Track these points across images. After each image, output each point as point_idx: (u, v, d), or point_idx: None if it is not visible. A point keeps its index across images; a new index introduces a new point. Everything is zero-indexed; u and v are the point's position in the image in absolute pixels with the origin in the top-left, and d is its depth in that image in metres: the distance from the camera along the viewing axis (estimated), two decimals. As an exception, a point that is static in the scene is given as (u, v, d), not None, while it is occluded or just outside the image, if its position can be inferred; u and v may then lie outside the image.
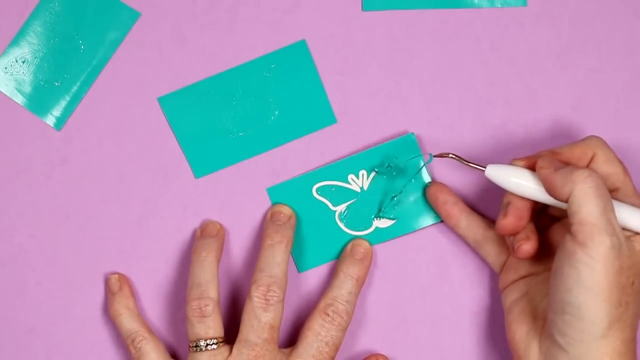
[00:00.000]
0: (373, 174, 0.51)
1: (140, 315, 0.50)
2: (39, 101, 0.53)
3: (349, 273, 0.49)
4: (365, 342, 0.52)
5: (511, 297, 0.47)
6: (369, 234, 0.51)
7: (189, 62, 0.53)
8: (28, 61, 0.53)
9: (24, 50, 0.53)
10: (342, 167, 0.52)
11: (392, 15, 0.53)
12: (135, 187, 0.52)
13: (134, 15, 0.53)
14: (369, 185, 0.51)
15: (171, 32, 0.53)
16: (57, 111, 0.53)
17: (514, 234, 0.46)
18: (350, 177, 0.51)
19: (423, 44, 0.53)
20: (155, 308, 0.52)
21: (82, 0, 0.53)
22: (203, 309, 0.48)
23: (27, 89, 0.53)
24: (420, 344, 0.52)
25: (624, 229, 0.43)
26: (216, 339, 0.48)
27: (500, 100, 0.52)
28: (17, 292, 0.52)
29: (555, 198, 0.43)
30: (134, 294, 0.51)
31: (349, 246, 0.51)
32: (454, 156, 0.48)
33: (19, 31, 0.53)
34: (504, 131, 0.52)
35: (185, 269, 0.52)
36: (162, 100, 0.53)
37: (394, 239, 0.52)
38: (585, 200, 0.42)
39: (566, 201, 0.42)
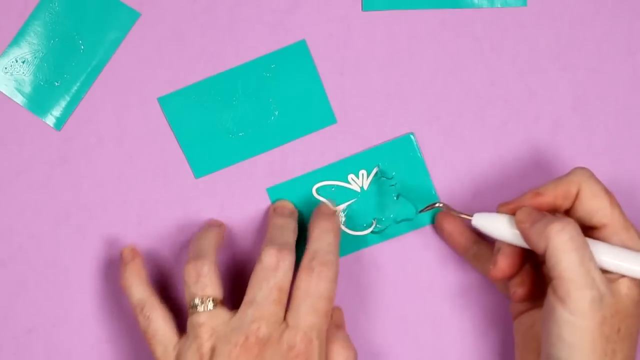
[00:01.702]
0: (373, 173, 0.51)
1: (151, 285, 0.49)
2: (39, 101, 0.53)
3: (323, 228, 0.48)
4: (365, 342, 0.52)
5: (520, 327, 0.47)
6: (369, 233, 0.52)
7: (189, 62, 0.53)
8: (28, 61, 0.53)
9: (24, 50, 0.53)
10: (342, 167, 0.52)
11: (392, 15, 0.53)
12: (135, 187, 0.52)
13: (134, 15, 0.53)
14: (369, 185, 0.51)
15: (171, 32, 0.53)
16: (57, 111, 0.53)
17: (510, 278, 0.46)
18: (350, 177, 0.51)
19: (423, 44, 0.53)
20: (155, 308, 0.52)
21: (82, 0, 0.53)
22: (199, 269, 0.46)
23: (27, 89, 0.53)
24: (420, 344, 0.52)
25: (608, 271, 0.42)
26: (214, 298, 0.46)
27: (500, 100, 0.52)
28: (17, 292, 0.52)
29: (535, 252, 0.43)
30: (145, 266, 0.50)
31: (316, 208, 0.50)
32: (441, 206, 0.48)
33: (19, 31, 0.53)
34: (504, 131, 0.52)
35: (185, 269, 0.52)
36: (162, 100, 0.53)
37: (394, 238, 0.52)
38: (560, 255, 0.41)
39: (545, 255, 0.42)
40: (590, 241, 0.43)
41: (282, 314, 0.45)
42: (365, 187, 0.51)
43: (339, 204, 0.52)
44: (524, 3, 0.53)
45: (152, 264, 0.52)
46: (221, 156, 0.52)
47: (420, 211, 0.49)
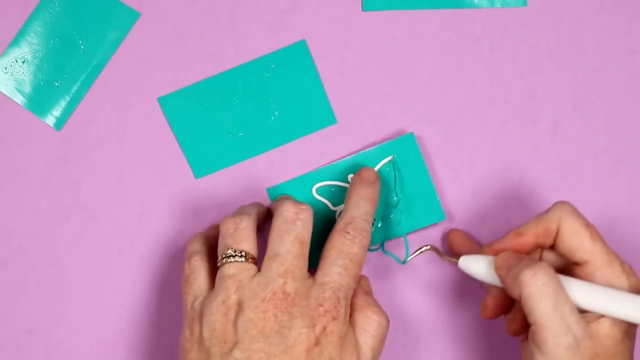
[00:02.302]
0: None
1: (209, 249, 0.48)
2: (39, 101, 0.53)
3: (362, 195, 0.47)
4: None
5: (525, 352, 0.46)
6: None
7: (189, 62, 0.53)
8: (28, 61, 0.53)
9: (24, 50, 0.53)
10: (341, 166, 0.52)
11: (392, 15, 0.53)
12: (135, 187, 0.52)
13: (134, 15, 0.53)
14: None
15: (171, 32, 0.53)
16: (57, 111, 0.53)
17: (501, 315, 0.46)
18: (350, 176, 0.51)
19: (423, 44, 0.53)
20: (155, 308, 0.52)
21: (82, 0, 0.53)
22: (238, 222, 0.45)
23: (27, 89, 0.53)
24: (420, 344, 0.52)
25: (587, 311, 0.42)
26: (246, 252, 0.45)
27: (500, 100, 0.52)
28: (17, 292, 0.52)
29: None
30: (213, 240, 0.49)
31: (358, 173, 0.49)
32: (427, 248, 0.48)
33: (19, 31, 0.53)
34: (504, 131, 0.52)
35: (185, 269, 0.52)
36: (162, 100, 0.53)
37: (394, 238, 0.52)
38: (534, 302, 0.41)
39: (521, 302, 0.42)
40: (568, 280, 0.42)
41: (306, 269, 0.45)
42: None
43: (339, 204, 0.52)
44: (524, 3, 0.53)
45: (152, 264, 0.52)
46: (221, 156, 0.52)
47: (410, 257, 0.49)
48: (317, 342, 0.42)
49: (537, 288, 0.41)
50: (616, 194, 0.52)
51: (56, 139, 0.53)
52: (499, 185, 0.52)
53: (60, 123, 0.53)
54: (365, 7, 0.53)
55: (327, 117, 0.52)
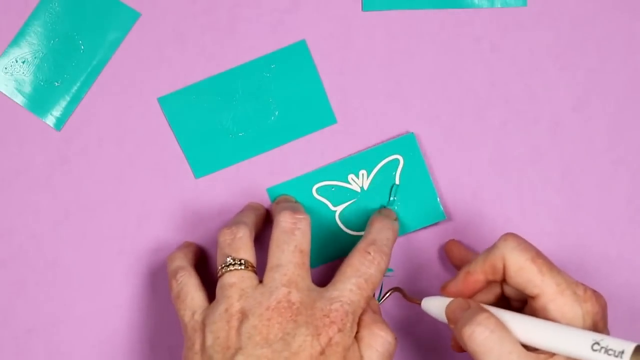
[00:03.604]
0: (373, 174, 0.51)
1: (192, 263, 0.49)
2: (39, 101, 0.53)
3: (385, 224, 0.48)
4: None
5: None
6: None
7: (189, 62, 0.53)
8: (28, 61, 0.53)
9: (24, 50, 0.53)
10: (342, 167, 0.52)
11: (392, 15, 0.53)
12: (135, 187, 0.52)
13: (134, 15, 0.53)
14: (369, 185, 0.51)
15: (171, 32, 0.53)
16: (57, 111, 0.53)
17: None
18: (350, 177, 0.51)
19: (423, 44, 0.53)
20: (155, 308, 0.52)
21: (82, 1, 0.53)
22: (235, 232, 0.46)
23: (27, 89, 0.53)
24: (420, 344, 0.52)
25: (540, 351, 0.41)
26: (246, 261, 0.45)
27: (500, 100, 0.52)
28: (17, 292, 0.52)
29: None
30: (195, 253, 0.50)
31: (380, 211, 0.50)
32: (392, 292, 0.49)
33: (19, 31, 0.53)
34: (504, 131, 0.52)
35: (185, 269, 0.52)
36: (162, 100, 0.53)
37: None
38: (478, 357, 0.41)
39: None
40: (516, 320, 0.42)
41: (309, 279, 0.45)
42: (366, 187, 0.51)
43: (339, 204, 0.52)
44: (524, 3, 0.53)
45: (152, 264, 0.52)
46: (221, 156, 0.52)
47: (381, 300, 0.49)
48: (322, 352, 0.42)
49: (479, 344, 0.41)
50: (616, 194, 0.52)
51: (56, 139, 0.53)
52: (499, 185, 0.52)
53: (60, 123, 0.53)
54: (365, 7, 0.53)
55: (327, 117, 0.52)
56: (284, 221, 0.46)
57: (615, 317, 0.51)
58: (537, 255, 0.43)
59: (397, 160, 0.51)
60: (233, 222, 0.47)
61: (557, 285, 0.42)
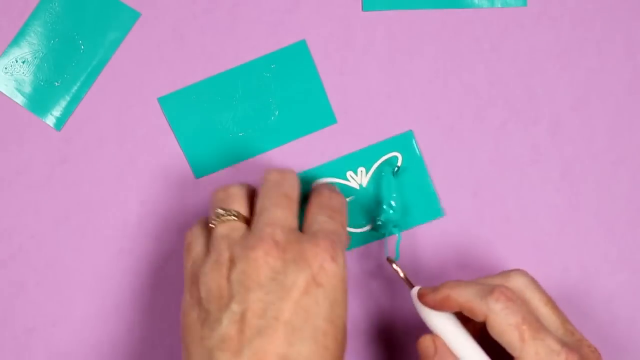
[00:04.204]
0: (371, 171, 0.51)
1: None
2: (39, 101, 0.53)
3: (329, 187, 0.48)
4: (365, 336, 0.52)
5: None
6: (368, 230, 0.52)
7: (189, 62, 0.53)
8: (28, 61, 0.53)
9: (24, 50, 0.53)
10: (340, 164, 0.52)
11: (392, 15, 0.53)
12: (135, 187, 0.52)
13: (134, 15, 0.53)
14: (367, 182, 0.52)
15: (171, 32, 0.53)
16: (57, 111, 0.53)
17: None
18: (349, 174, 0.52)
19: (423, 44, 0.53)
20: (155, 308, 0.52)
21: (82, 1, 0.53)
22: (228, 189, 0.45)
23: (27, 89, 0.53)
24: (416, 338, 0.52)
25: None
26: (238, 212, 0.44)
27: (500, 100, 0.52)
28: (17, 292, 0.52)
29: None
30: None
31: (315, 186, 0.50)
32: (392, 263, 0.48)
33: (19, 31, 0.53)
34: (504, 131, 0.52)
35: (185, 269, 0.52)
36: (162, 100, 0.53)
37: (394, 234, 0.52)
38: None
39: None
40: None
41: (295, 224, 0.44)
42: (364, 184, 0.52)
43: None
44: (524, 3, 0.53)
45: (151, 264, 0.52)
46: (221, 156, 0.52)
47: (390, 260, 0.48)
48: (318, 284, 0.41)
49: None
50: (616, 194, 0.52)
51: (56, 139, 0.53)
52: (499, 185, 0.52)
53: (60, 123, 0.53)
54: (365, 7, 0.53)
55: (327, 117, 0.52)
56: (270, 174, 0.45)
57: (616, 317, 0.51)
58: (524, 320, 0.41)
59: (396, 158, 0.51)
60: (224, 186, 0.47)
61: (536, 354, 0.41)
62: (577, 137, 0.52)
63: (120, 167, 0.53)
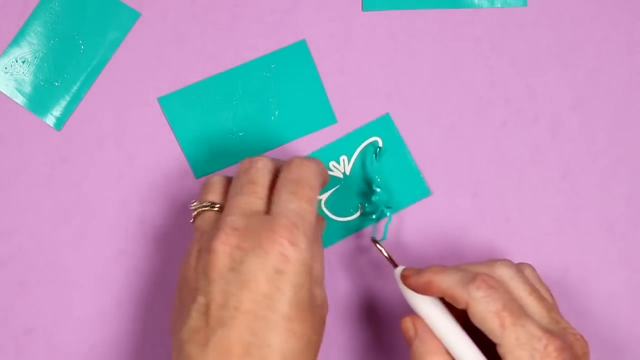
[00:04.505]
0: (353, 158, 0.52)
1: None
2: (39, 101, 0.53)
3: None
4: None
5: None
6: (356, 218, 0.51)
7: (189, 62, 0.53)
8: (28, 61, 0.53)
9: (24, 50, 0.53)
10: (322, 155, 0.52)
11: (392, 15, 0.53)
12: (135, 187, 0.52)
13: (134, 15, 0.53)
14: (350, 170, 0.52)
15: (171, 32, 0.53)
16: (57, 111, 0.53)
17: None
18: (332, 164, 0.52)
19: (423, 44, 0.53)
20: (155, 309, 0.52)
21: (82, 0, 0.53)
22: (208, 180, 0.46)
23: (27, 89, 0.53)
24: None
25: None
26: (213, 202, 0.45)
27: (500, 100, 0.52)
28: (17, 292, 0.52)
29: None
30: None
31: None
32: (376, 244, 0.48)
33: (19, 31, 0.53)
34: (504, 131, 0.52)
35: (185, 269, 0.52)
36: (162, 100, 0.53)
37: (382, 220, 0.51)
38: None
39: None
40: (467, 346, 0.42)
41: (259, 206, 0.43)
42: (348, 172, 0.52)
43: (324, 192, 0.51)
44: (524, 3, 0.53)
45: (151, 264, 0.52)
46: (221, 156, 0.52)
47: (374, 240, 0.48)
48: (278, 272, 0.41)
49: None
50: (616, 194, 0.52)
51: (56, 139, 0.53)
52: (499, 185, 0.52)
53: (60, 123, 0.53)
54: (365, 7, 0.53)
55: (327, 117, 0.52)
56: (241, 164, 0.45)
57: (615, 317, 0.51)
58: (504, 307, 0.41)
59: (376, 142, 0.51)
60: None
61: (517, 339, 0.41)
62: (577, 137, 0.52)
63: (120, 167, 0.53)
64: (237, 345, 0.40)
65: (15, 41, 0.53)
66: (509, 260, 0.44)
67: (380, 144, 0.51)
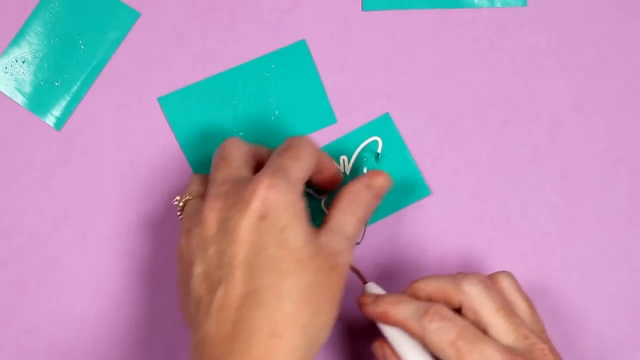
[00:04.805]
0: (353, 158, 0.51)
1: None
2: (39, 101, 0.53)
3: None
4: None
5: None
6: None
7: (189, 62, 0.53)
8: (28, 61, 0.53)
9: (24, 50, 0.53)
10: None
11: (392, 15, 0.53)
12: (135, 187, 0.52)
13: (134, 15, 0.53)
14: (350, 170, 0.52)
15: (171, 32, 0.53)
16: (57, 111, 0.53)
17: None
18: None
19: (423, 44, 0.53)
20: (155, 308, 0.52)
21: (82, 0, 0.53)
22: (191, 177, 0.47)
23: (27, 89, 0.53)
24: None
25: None
26: (191, 191, 0.46)
27: (500, 100, 0.52)
28: (17, 292, 0.52)
29: None
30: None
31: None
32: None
33: (19, 31, 0.53)
34: (504, 131, 0.52)
35: (185, 269, 0.52)
36: (162, 100, 0.53)
37: (383, 219, 0.51)
38: None
39: None
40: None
41: (236, 174, 0.44)
42: (348, 172, 0.52)
43: (324, 192, 0.52)
44: (524, 3, 0.53)
45: (152, 264, 0.52)
46: (221, 156, 0.52)
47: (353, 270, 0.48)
48: (261, 217, 0.41)
49: None
50: (616, 194, 0.52)
51: (56, 139, 0.53)
52: (499, 185, 0.52)
53: (60, 123, 0.53)
54: (365, 7, 0.53)
55: (327, 117, 0.52)
56: (215, 150, 0.46)
57: (616, 317, 0.51)
58: (459, 335, 0.41)
59: (376, 142, 0.51)
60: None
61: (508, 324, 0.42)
62: (577, 137, 0.52)
63: (120, 167, 0.53)
64: (235, 298, 0.40)
65: (15, 41, 0.53)
66: (479, 275, 0.44)
67: (380, 144, 0.51)
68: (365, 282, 0.46)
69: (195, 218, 0.43)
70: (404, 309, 0.43)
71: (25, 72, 0.53)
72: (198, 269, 0.42)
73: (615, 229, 0.52)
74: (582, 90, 0.52)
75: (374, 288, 0.46)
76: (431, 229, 0.52)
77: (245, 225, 0.41)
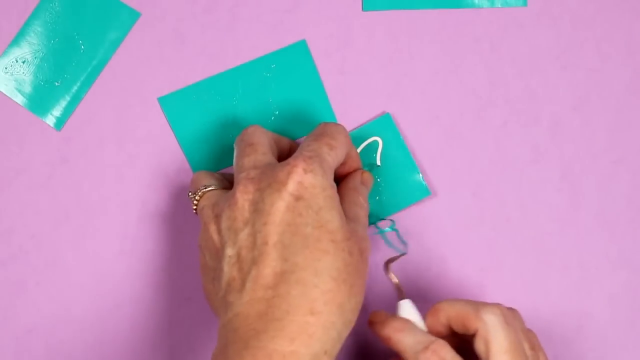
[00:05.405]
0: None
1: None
2: (39, 101, 0.53)
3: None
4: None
5: None
6: None
7: (189, 62, 0.53)
8: (28, 61, 0.53)
9: (24, 50, 0.53)
10: None
11: (392, 15, 0.53)
12: (135, 187, 0.52)
13: (134, 15, 0.53)
14: None
15: (171, 32, 0.53)
16: (57, 111, 0.53)
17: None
18: None
19: (423, 44, 0.53)
20: (155, 308, 0.52)
21: (82, 0, 0.53)
22: (194, 175, 0.48)
23: (27, 89, 0.53)
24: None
25: None
26: (207, 184, 0.46)
27: (500, 100, 0.52)
28: (17, 292, 0.52)
29: None
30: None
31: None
32: (394, 260, 0.48)
33: (19, 31, 0.53)
34: (504, 131, 0.52)
35: (186, 270, 0.52)
36: (162, 100, 0.53)
37: (384, 219, 0.51)
38: None
39: None
40: None
41: (266, 160, 0.44)
42: None
43: None
44: (524, 3, 0.53)
45: (152, 264, 0.52)
46: (221, 156, 0.52)
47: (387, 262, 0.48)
48: (297, 198, 0.41)
49: None
50: (616, 194, 0.52)
51: (56, 139, 0.53)
52: (499, 185, 0.52)
53: (60, 123, 0.53)
54: (365, 7, 0.53)
55: (326, 117, 0.52)
56: (236, 139, 0.46)
57: (616, 317, 0.51)
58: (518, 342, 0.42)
59: (376, 142, 0.51)
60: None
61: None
62: (577, 137, 0.52)
63: (120, 167, 0.53)
64: (270, 277, 0.40)
65: (15, 41, 0.53)
66: (502, 307, 0.44)
67: (381, 144, 0.51)
68: (401, 298, 0.46)
69: (223, 204, 0.43)
70: (405, 339, 0.43)
71: (25, 72, 0.53)
72: (229, 251, 0.42)
73: (615, 229, 0.52)
74: (582, 90, 0.52)
75: (407, 307, 0.46)
76: (431, 229, 0.52)
77: (281, 206, 0.41)
